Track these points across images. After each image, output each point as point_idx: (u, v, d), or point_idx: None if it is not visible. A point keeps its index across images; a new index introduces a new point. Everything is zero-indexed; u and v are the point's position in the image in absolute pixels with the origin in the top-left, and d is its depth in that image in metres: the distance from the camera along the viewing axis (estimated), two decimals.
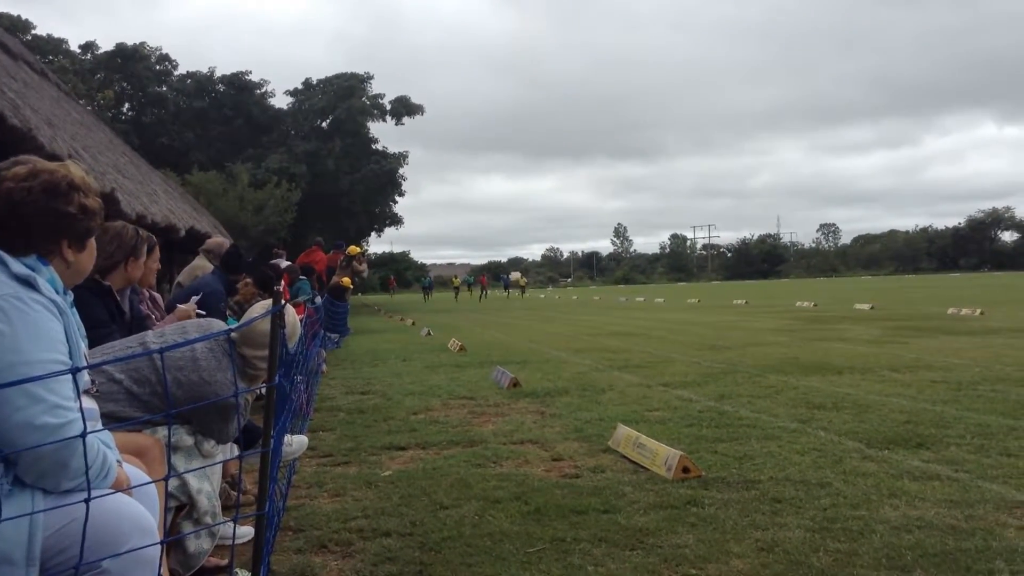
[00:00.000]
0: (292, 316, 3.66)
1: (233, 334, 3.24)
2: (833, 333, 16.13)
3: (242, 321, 3.38)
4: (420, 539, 4.09)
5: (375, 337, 19.83)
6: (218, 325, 3.52)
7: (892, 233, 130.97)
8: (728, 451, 5.82)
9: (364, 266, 20.19)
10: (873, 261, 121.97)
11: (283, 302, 2.59)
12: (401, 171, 48.53)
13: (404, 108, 48.46)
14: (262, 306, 3.47)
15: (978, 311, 20.35)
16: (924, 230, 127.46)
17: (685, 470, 5.11)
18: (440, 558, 3.82)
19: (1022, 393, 7.85)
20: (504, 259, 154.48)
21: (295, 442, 4.57)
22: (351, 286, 15.44)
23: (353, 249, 16.84)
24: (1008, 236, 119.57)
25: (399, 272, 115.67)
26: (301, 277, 12.04)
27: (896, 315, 21.39)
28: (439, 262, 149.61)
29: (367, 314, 35.88)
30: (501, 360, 12.15)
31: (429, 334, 19.09)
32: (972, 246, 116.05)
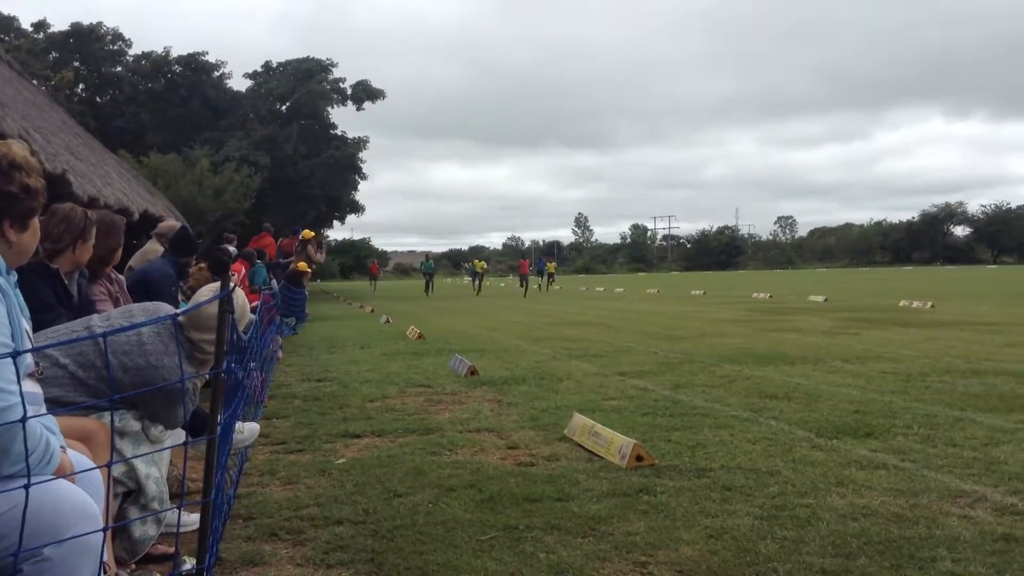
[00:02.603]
0: (242, 299, 3.62)
1: (181, 317, 3.19)
2: (788, 324, 16.36)
3: (190, 304, 3.34)
4: (372, 527, 4.08)
5: (333, 324, 19.70)
6: (165, 309, 3.46)
7: (847, 226, 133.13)
8: (682, 440, 5.88)
9: (321, 253, 19.99)
10: (828, 254, 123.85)
11: (232, 286, 2.56)
12: (361, 156, 48.16)
13: (365, 93, 47.95)
14: (210, 289, 3.43)
15: (929, 304, 20.76)
16: (878, 224, 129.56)
17: (639, 458, 5.16)
18: (392, 546, 3.81)
19: (969, 385, 8.03)
20: (465, 247, 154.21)
21: (247, 429, 4.53)
22: (308, 271, 15.29)
23: (307, 234, 16.67)
24: (960, 231, 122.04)
25: (359, 259, 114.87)
26: (257, 262, 11.92)
27: (849, 307, 21.75)
28: (400, 249, 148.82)
29: (326, 301, 35.63)
30: (460, 348, 12.14)
31: (388, 322, 19.02)
32: (925, 240, 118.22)
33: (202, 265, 7.39)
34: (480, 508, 4.34)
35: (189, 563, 3.34)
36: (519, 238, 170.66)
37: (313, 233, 11.96)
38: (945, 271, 72.08)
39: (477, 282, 44.53)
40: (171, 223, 7.93)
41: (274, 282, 14.00)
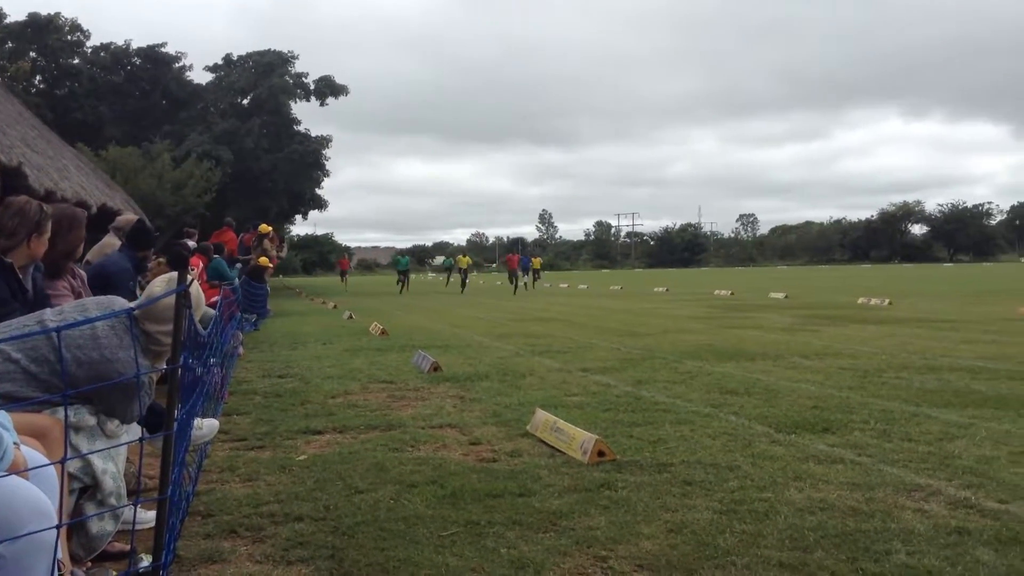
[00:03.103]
0: (195, 289, 3.58)
1: (136, 311, 3.14)
2: (748, 321, 16.54)
3: (143, 297, 3.29)
4: (333, 523, 4.05)
5: (295, 320, 19.55)
6: (120, 303, 3.40)
7: (807, 224, 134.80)
8: (643, 435, 5.92)
9: (280, 249, 19.85)
10: (789, 251, 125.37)
11: (190, 280, 2.53)
12: (325, 152, 47.80)
13: (328, 88, 47.56)
14: (162, 280, 3.38)
15: (887, 301, 21.10)
16: (838, 222, 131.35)
17: (600, 454, 5.18)
18: (353, 542, 3.79)
19: (925, 380, 8.18)
20: (429, 243, 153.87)
21: (205, 426, 4.47)
22: (268, 265, 15.16)
23: (264, 228, 16.54)
24: (917, 229, 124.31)
25: (323, 255, 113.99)
26: (215, 256, 11.78)
27: (809, 304, 22.03)
28: (363, 245, 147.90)
29: (288, 297, 35.34)
30: (423, 344, 12.11)
31: (351, 317, 18.91)
32: (883, 238, 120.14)
33: (161, 259, 7.30)
34: (442, 504, 4.34)
35: (146, 560, 3.30)
36: (483, 234, 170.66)
37: (271, 228, 11.86)
38: (903, 269, 73.28)
39: (463, 278, 38.82)
40: (129, 217, 7.82)
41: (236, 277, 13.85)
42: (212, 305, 9.01)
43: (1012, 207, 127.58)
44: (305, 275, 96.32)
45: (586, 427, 5.81)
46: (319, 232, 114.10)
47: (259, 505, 4.39)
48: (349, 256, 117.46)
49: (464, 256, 43.38)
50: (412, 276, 43.08)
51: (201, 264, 10.32)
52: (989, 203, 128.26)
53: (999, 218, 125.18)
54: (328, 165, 48.42)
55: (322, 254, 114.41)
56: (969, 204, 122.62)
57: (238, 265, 15.30)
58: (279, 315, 20.79)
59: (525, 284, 39.32)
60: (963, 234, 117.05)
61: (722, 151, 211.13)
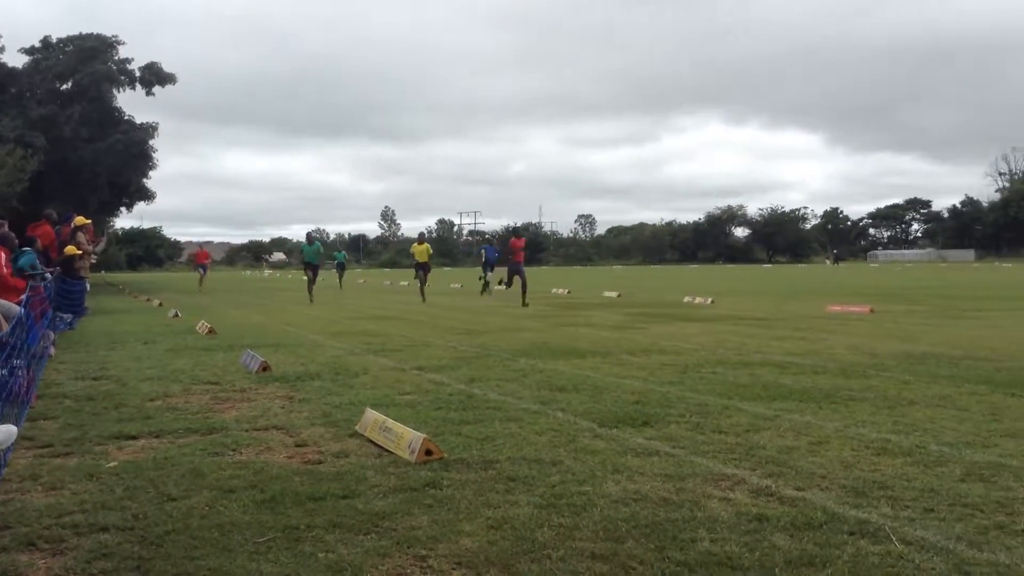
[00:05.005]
0: None
1: None
2: (582, 319, 17.01)
3: None
4: (141, 533, 3.86)
5: (115, 318, 18.50)
6: None
7: (641, 226, 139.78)
8: (472, 433, 5.97)
9: (98, 243, 18.76)
10: (624, 252, 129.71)
11: None
12: (152, 143, 45.49)
13: (155, 76, 45.27)
14: None
15: (709, 300, 22.23)
16: (669, 224, 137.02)
17: (428, 452, 5.19)
18: (162, 552, 3.63)
19: (738, 375, 8.67)
20: (266, 239, 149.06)
21: (1, 432, 4.17)
22: (77, 252, 14.29)
23: (80, 220, 15.60)
24: (740, 232, 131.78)
25: (150, 249, 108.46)
26: (24, 249, 10.99)
27: (639, 303, 22.89)
28: (194, 239, 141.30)
29: (109, 294, 33.40)
30: (253, 343, 11.74)
31: (177, 315, 18.08)
32: (709, 240, 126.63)
33: None
34: (260, 509, 4.22)
35: None
36: (324, 230, 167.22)
37: (87, 220, 11.20)
38: (726, 269, 77.35)
39: (422, 277, 25.36)
40: None
41: (47, 273, 12.99)
42: (19, 303, 8.41)
43: (825, 212, 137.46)
44: (130, 271, 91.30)
45: (417, 426, 5.81)
46: (146, 226, 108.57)
47: (62, 515, 4.14)
48: (175, 250, 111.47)
49: (421, 244, 26.22)
50: (248, 273, 40.03)
51: (3, 256, 9.59)
52: (805, 208, 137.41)
53: (813, 222, 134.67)
54: (156, 156, 46.17)
55: (149, 248, 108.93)
56: (787, 209, 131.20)
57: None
58: (98, 313, 19.63)
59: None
60: (780, 237, 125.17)
61: (560, 151, 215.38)
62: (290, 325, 16.16)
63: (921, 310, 18.56)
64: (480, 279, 27.88)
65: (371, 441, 5.69)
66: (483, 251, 28.45)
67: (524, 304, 20.87)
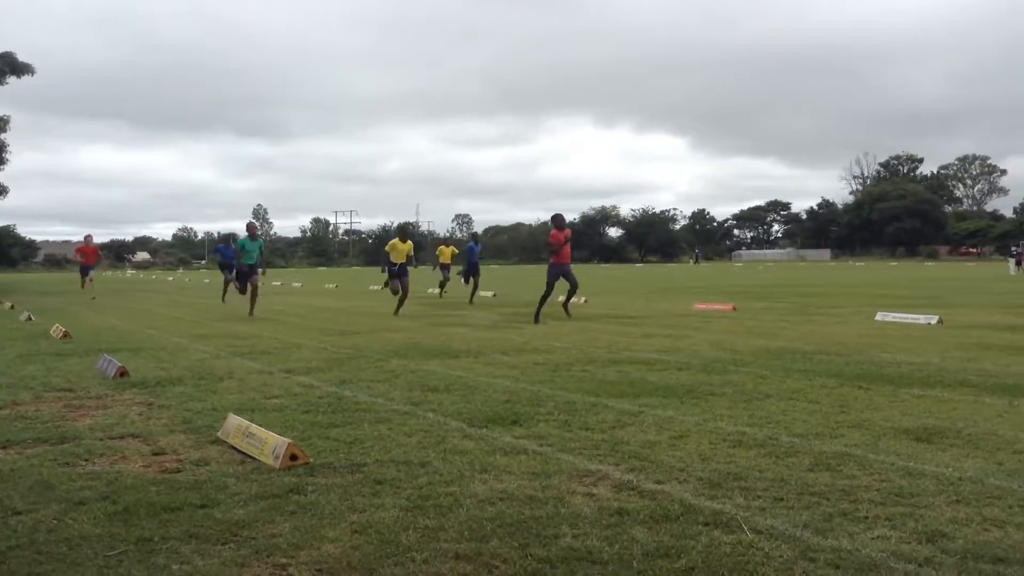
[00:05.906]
0: None
1: None
2: (457, 319, 17.03)
3: None
4: None
5: None
6: None
7: (518, 225, 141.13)
8: (340, 436, 5.89)
9: None
10: (502, 251, 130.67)
11: None
12: (3, 136, 42.78)
13: (8, 66, 42.62)
14: None
15: (583, 299, 22.60)
16: (545, 223, 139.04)
17: (293, 457, 5.09)
18: (4, 570, 3.43)
19: (607, 373, 8.87)
20: (129, 238, 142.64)
21: None
22: None
23: None
24: (614, 232, 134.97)
25: (2, 249, 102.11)
26: None
27: (515, 302, 23.06)
28: (51, 239, 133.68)
29: None
30: (111, 348, 11.21)
31: (30, 319, 17.08)
32: (585, 240, 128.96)
33: None
34: (112, 521, 4.04)
35: None
36: (192, 229, 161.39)
37: None
38: (600, 269, 78.97)
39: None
40: None
41: None
42: None
43: (693, 213, 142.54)
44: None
45: (283, 431, 5.69)
46: None
47: None
48: (31, 250, 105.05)
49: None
50: (108, 274, 37.59)
51: None
52: (674, 209, 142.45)
53: (682, 223, 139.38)
54: (7, 151, 43.43)
55: (1, 248, 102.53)
56: (657, 210, 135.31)
57: None
58: None
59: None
60: (651, 237, 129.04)
61: (435, 151, 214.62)
62: (152, 328, 15.52)
63: (779, 307, 19.46)
64: (458, 276, 24.56)
65: (234, 448, 5.53)
66: (471, 249, 23.78)
67: (567, 314, 16.71)
